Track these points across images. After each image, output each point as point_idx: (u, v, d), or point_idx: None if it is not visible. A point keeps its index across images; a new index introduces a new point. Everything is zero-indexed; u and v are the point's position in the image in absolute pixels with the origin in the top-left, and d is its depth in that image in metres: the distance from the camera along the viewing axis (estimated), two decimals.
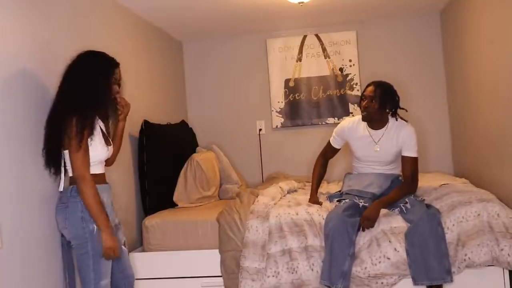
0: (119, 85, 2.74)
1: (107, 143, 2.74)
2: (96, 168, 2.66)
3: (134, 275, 2.91)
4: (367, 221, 3.21)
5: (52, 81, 2.78)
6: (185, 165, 4.19)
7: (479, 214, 3.18)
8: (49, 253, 2.70)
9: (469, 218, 3.18)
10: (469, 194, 3.35)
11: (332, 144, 3.73)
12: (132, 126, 3.92)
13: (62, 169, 2.62)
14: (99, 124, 2.69)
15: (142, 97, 4.25)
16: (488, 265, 3.17)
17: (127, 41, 4.09)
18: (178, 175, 4.12)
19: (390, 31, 5.18)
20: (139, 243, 3.88)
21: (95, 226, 2.53)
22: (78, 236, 2.55)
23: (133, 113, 3.96)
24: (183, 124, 4.93)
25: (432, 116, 5.07)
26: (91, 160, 2.57)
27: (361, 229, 3.23)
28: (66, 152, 2.57)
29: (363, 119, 3.49)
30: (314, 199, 3.61)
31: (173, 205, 4.09)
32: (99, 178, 2.68)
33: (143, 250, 3.75)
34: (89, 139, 2.55)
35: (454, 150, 4.98)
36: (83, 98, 2.53)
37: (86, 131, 2.51)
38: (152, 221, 3.73)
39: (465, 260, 3.13)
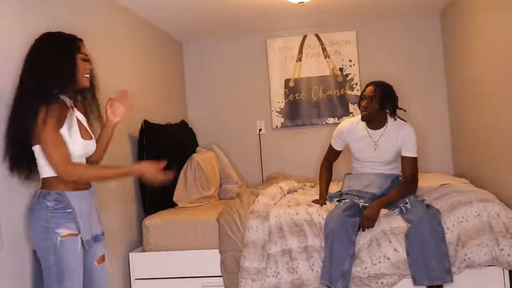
0: (88, 61, 2.37)
1: (86, 136, 2.38)
2: None
3: None
4: (367, 220, 3.21)
5: None
6: (185, 165, 4.18)
7: (479, 214, 3.18)
8: None
9: (469, 218, 3.18)
10: (469, 194, 3.35)
11: (334, 147, 3.73)
12: (132, 126, 3.92)
13: (39, 169, 2.29)
14: (76, 115, 2.35)
15: (142, 97, 4.24)
16: (488, 265, 3.17)
17: (127, 41, 4.08)
18: (178, 174, 4.12)
19: (390, 31, 5.18)
20: (139, 243, 3.88)
21: (59, 237, 2.18)
22: (41, 248, 2.22)
23: (132, 113, 3.97)
24: (183, 124, 4.93)
25: (432, 116, 5.07)
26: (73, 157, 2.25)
27: (361, 229, 3.23)
28: (37, 147, 2.23)
29: (363, 119, 3.49)
30: (320, 202, 3.54)
31: (173, 205, 4.09)
32: (66, 181, 2.26)
33: (143, 250, 3.75)
34: (65, 130, 2.22)
35: (454, 150, 4.98)
36: (47, 82, 2.18)
37: (56, 118, 2.16)
38: (152, 221, 3.73)
39: (465, 260, 3.14)
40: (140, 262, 3.65)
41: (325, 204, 3.54)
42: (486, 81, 3.78)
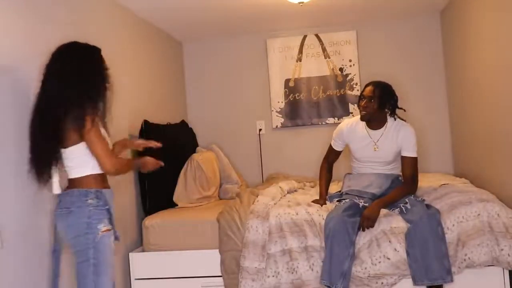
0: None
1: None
2: (98, 167, 2.46)
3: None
4: (367, 220, 3.21)
5: None
6: (185, 165, 4.19)
7: (479, 214, 3.19)
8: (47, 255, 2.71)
9: (469, 218, 3.18)
10: (469, 194, 3.35)
11: (334, 147, 3.73)
12: (132, 126, 3.92)
13: (56, 170, 2.44)
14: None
15: (142, 97, 4.25)
16: (488, 265, 3.17)
17: (127, 41, 4.09)
18: (178, 175, 4.13)
19: (390, 31, 5.18)
20: (139, 243, 3.88)
21: (99, 234, 2.39)
22: (80, 243, 2.39)
23: (133, 113, 3.99)
24: (183, 124, 4.93)
25: (432, 116, 5.08)
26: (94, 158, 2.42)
27: (361, 229, 3.23)
28: (67, 150, 2.41)
29: (362, 118, 3.49)
30: (320, 202, 3.55)
31: (173, 205, 4.09)
32: (102, 179, 2.51)
33: (143, 250, 3.75)
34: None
35: (454, 150, 4.98)
36: (83, 90, 2.38)
37: (95, 121, 2.38)
38: (152, 221, 3.73)
39: (465, 260, 3.14)
40: (140, 262, 3.66)
41: (325, 204, 3.54)
42: (487, 81, 3.78)
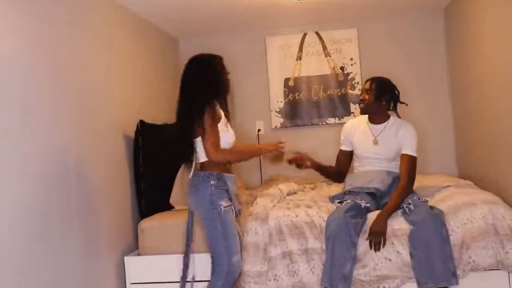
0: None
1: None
2: None
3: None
4: (376, 236, 3.18)
5: (48, 76, 2.87)
6: (181, 167, 4.20)
7: (484, 216, 3.21)
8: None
9: (474, 220, 3.21)
10: (474, 196, 3.38)
11: (342, 148, 3.76)
12: (127, 126, 3.94)
13: (193, 157, 3.01)
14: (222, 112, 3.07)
15: (137, 96, 4.27)
16: (493, 269, 3.19)
17: (121, 38, 4.11)
18: (174, 176, 4.14)
19: (392, 29, 5.22)
20: (134, 247, 3.90)
21: (223, 208, 2.92)
22: (208, 217, 2.94)
23: (129, 113, 4.01)
24: None
25: (435, 116, 5.11)
26: (224, 144, 2.96)
27: (372, 249, 3.20)
28: (197, 140, 2.96)
29: (361, 111, 3.64)
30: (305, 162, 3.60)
31: (169, 207, 4.10)
32: (224, 164, 3.02)
33: (139, 254, 3.77)
34: (222, 125, 2.97)
35: (457, 151, 5.01)
36: (213, 92, 3.00)
37: (215, 119, 2.92)
38: (148, 224, 3.75)
39: (469, 263, 3.16)
40: (135, 266, 3.68)
41: (307, 164, 3.58)
42: (491, 79, 3.81)
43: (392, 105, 3.59)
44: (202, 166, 3.02)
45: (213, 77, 3.04)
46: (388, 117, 3.59)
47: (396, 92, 3.58)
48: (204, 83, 3.00)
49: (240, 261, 3.02)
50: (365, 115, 3.67)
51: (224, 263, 2.94)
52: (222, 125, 3.01)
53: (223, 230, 2.93)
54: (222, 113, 3.07)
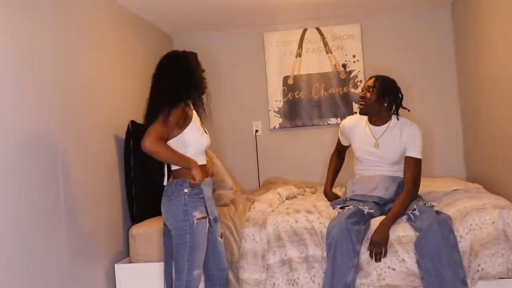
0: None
1: (204, 133, 3.10)
2: (198, 159, 2.99)
3: (227, 268, 3.24)
4: (377, 246, 3.16)
5: (33, 74, 2.87)
6: None
7: (493, 222, 3.20)
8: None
9: (482, 226, 3.20)
10: (483, 200, 3.37)
11: (341, 142, 3.88)
12: (118, 127, 3.93)
13: (165, 164, 3.02)
14: (195, 113, 3.05)
15: (128, 96, 4.26)
16: (503, 277, 3.18)
17: (111, 34, 4.09)
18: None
19: (397, 24, 5.21)
20: (125, 254, 3.89)
21: (195, 220, 2.87)
22: (179, 228, 2.90)
23: (119, 113, 4.00)
24: None
25: (443, 116, 5.10)
26: (191, 149, 2.96)
27: (372, 258, 3.18)
28: (171, 141, 2.92)
29: (360, 111, 3.60)
30: (326, 191, 3.75)
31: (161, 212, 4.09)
32: (202, 170, 2.96)
33: (130, 262, 3.75)
34: (185, 126, 2.93)
35: (466, 153, 5.00)
36: (181, 91, 2.97)
37: (173, 116, 2.86)
38: (139, 229, 3.74)
39: (478, 271, 3.15)
40: (126, 274, 3.66)
41: (330, 192, 3.75)
42: (502, 77, 3.81)
43: (393, 108, 3.57)
44: (176, 173, 3.00)
45: (187, 74, 3.02)
46: (389, 117, 3.57)
47: (400, 95, 3.56)
48: (177, 81, 2.97)
49: (200, 276, 2.99)
50: None
51: (183, 276, 2.91)
52: (193, 127, 2.98)
53: (191, 243, 2.90)
54: (195, 114, 3.05)
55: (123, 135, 4.00)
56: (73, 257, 3.25)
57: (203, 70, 3.14)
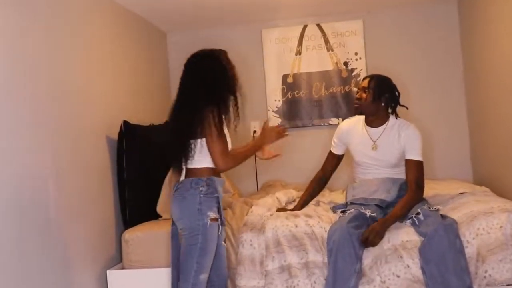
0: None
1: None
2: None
3: (227, 275, 3.19)
4: (373, 235, 3.18)
5: (23, 73, 2.87)
6: (169, 172, 4.18)
7: (501, 226, 3.19)
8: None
9: (490, 230, 3.19)
10: (491, 204, 3.36)
11: (333, 151, 3.78)
12: (110, 127, 3.92)
13: (184, 161, 2.97)
14: None
15: (121, 95, 4.25)
16: (511, 284, 3.16)
17: (105, 31, 4.09)
18: (162, 182, 4.12)
19: (400, 21, 5.21)
20: (117, 259, 3.88)
21: (209, 220, 2.84)
22: (191, 228, 2.86)
23: (111, 112, 3.99)
24: (168, 126, 4.92)
25: (448, 115, 5.10)
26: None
27: (363, 243, 3.20)
28: (198, 142, 2.92)
29: (355, 112, 3.61)
30: (286, 211, 3.67)
31: (156, 216, 4.09)
32: (217, 171, 2.99)
33: (123, 267, 3.75)
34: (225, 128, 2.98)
35: (473, 154, 5.00)
36: (218, 92, 3.01)
37: (224, 120, 2.96)
38: (132, 234, 3.73)
39: (485, 277, 3.14)
40: (119, 280, 3.65)
41: (292, 211, 3.64)
42: (510, 75, 3.80)
43: (391, 107, 3.57)
44: (191, 171, 2.98)
45: (222, 72, 3.07)
46: (387, 118, 3.57)
47: (397, 93, 3.56)
48: (213, 80, 3.01)
49: (206, 280, 2.92)
50: (362, 116, 3.63)
51: (189, 279, 2.86)
52: (226, 131, 3.02)
53: (202, 244, 2.86)
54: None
55: (115, 136, 3.99)
56: (65, 262, 3.24)
57: (234, 67, 3.21)
